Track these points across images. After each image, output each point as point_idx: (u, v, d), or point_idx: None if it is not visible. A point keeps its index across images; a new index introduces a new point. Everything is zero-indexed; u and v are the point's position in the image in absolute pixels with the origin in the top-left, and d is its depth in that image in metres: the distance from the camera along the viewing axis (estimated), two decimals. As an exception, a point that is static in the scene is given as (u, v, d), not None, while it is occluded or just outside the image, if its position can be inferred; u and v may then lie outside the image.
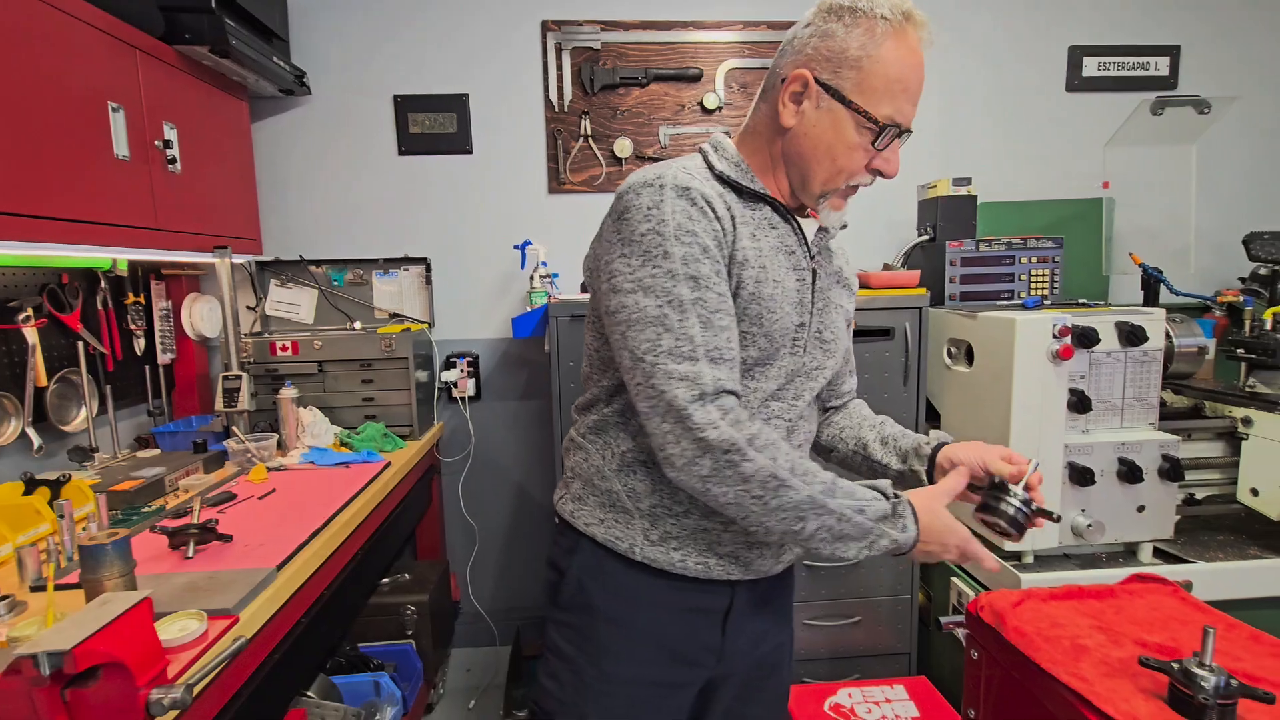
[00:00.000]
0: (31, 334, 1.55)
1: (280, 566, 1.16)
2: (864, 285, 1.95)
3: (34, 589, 1.09)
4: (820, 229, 0.95)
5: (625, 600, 0.93)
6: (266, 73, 1.95)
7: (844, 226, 0.98)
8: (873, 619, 1.97)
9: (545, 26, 2.26)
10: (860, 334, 1.87)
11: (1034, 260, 2.02)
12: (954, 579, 1.80)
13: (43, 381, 1.59)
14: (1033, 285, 2.03)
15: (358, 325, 2.24)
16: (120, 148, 1.50)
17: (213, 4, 1.67)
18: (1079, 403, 1.59)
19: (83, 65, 1.40)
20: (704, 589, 0.94)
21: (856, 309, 1.82)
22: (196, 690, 0.77)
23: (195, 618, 0.96)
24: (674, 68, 2.30)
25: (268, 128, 2.24)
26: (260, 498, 1.52)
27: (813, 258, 0.93)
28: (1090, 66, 2.42)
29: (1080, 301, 1.94)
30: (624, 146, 2.31)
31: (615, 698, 0.94)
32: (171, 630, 0.92)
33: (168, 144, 1.66)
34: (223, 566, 1.16)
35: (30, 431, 1.54)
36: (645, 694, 0.95)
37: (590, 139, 2.31)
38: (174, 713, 0.78)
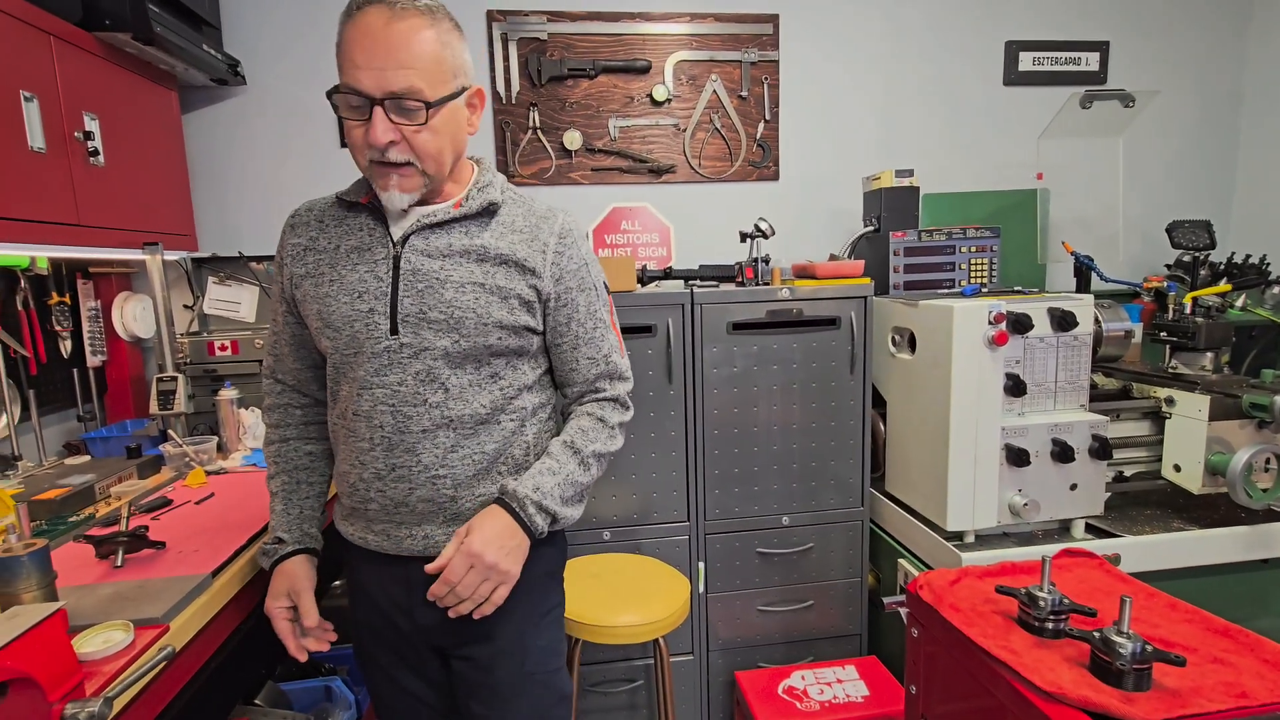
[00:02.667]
0: (-58, 337, 1.46)
1: (216, 572, 1.13)
2: (810, 275, 1.98)
3: (-54, 606, 1.03)
4: (446, 214, 1.02)
5: None
6: (196, 61, 1.87)
7: (460, 213, 1.02)
8: (825, 602, 2.01)
9: (491, 16, 2.22)
10: (807, 323, 1.90)
11: (973, 250, 2.08)
12: (900, 560, 1.85)
13: (-43, 387, 1.50)
14: (972, 274, 2.09)
15: (302, 323, 2.18)
16: (35, 139, 1.43)
17: (134, -12, 1.59)
18: (1014, 386, 1.65)
19: (-11, 52, 1.33)
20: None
21: (803, 299, 1.85)
22: (119, 703, 0.74)
23: (121, 629, 0.92)
24: (622, 60, 2.29)
25: (201, 119, 2.15)
26: (197, 502, 1.47)
27: (399, 247, 1.01)
28: (1026, 61, 2.50)
29: (1016, 289, 2.00)
30: (573, 139, 2.30)
31: None
32: (94, 643, 0.88)
33: (89, 135, 1.58)
34: (155, 575, 1.12)
35: (-57, 440, 1.46)
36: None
37: (539, 131, 2.29)
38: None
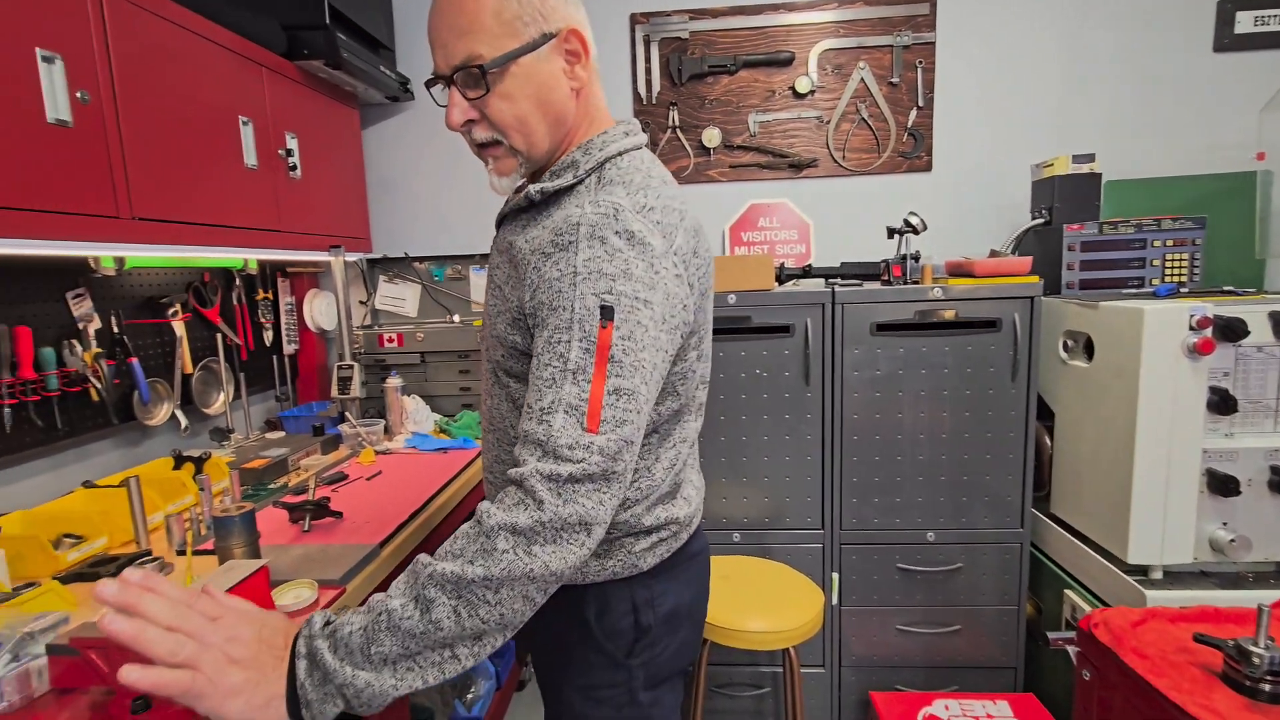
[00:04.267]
0: (179, 327, 1.74)
1: (383, 544, 1.25)
2: (966, 273, 1.83)
3: (179, 553, 1.23)
4: (535, 192, 0.85)
5: None
6: (374, 81, 2.08)
7: (524, 198, 0.85)
8: (974, 628, 1.85)
9: (634, 19, 2.26)
10: (961, 325, 1.76)
11: (1169, 244, 1.81)
12: (1067, 591, 1.66)
13: (189, 369, 1.78)
14: (1168, 271, 1.82)
15: (456, 318, 2.36)
16: (250, 158, 1.66)
17: (327, 20, 1.80)
18: (1221, 403, 1.42)
19: (218, 83, 1.56)
20: None
21: (958, 299, 1.70)
22: (305, 653, 0.84)
23: (308, 587, 1.05)
24: (764, 53, 2.24)
25: (376, 133, 2.39)
26: (368, 478, 1.64)
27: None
28: (1245, 21, 2.13)
29: (1226, 289, 1.72)
30: (712, 136, 2.28)
31: None
32: (287, 597, 1.01)
33: (289, 152, 1.81)
34: (334, 541, 1.26)
35: (178, 413, 1.74)
36: None
37: (678, 130, 2.30)
38: (286, 672, 0.86)
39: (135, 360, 1.59)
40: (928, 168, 2.27)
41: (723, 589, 1.60)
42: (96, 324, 1.52)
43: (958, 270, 1.90)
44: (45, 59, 1.13)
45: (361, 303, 2.41)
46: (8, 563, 1.06)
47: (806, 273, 2.02)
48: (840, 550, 1.85)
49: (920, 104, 2.23)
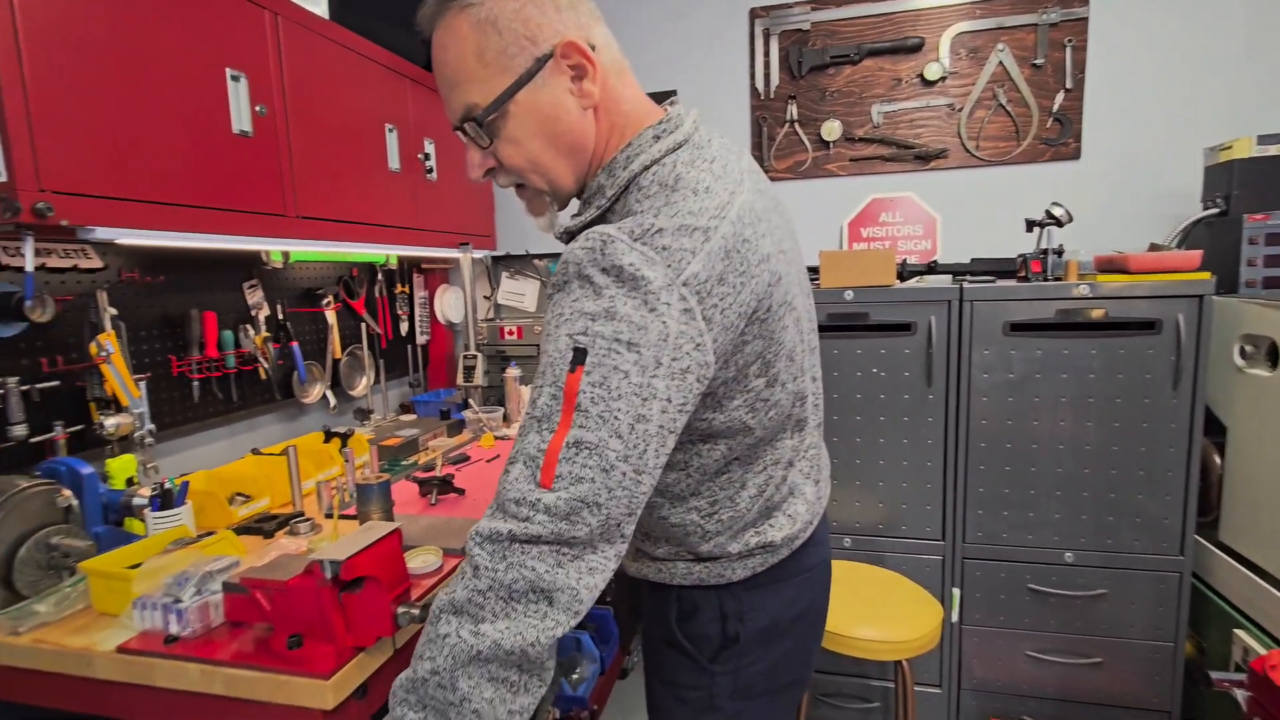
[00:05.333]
0: (331, 315, 1.93)
1: (500, 520, 1.32)
2: (1119, 269, 1.66)
3: (326, 516, 1.36)
4: (559, 235, 0.82)
5: None
6: (503, 88, 2.20)
7: (562, 235, 0.81)
8: (1120, 663, 1.67)
9: (753, 14, 2.24)
10: (1112, 326, 1.59)
11: (1385, 234, 1.54)
12: (1238, 630, 1.46)
13: (338, 354, 1.98)
14: (1382, 267, 1.55)
15: (572, 313, 2.44)
16: (393, 162, 1.81)
17: (463, 32, 1.92)
18: None
19: (369, 95, 1.71)
20: None
21: (1108, 297, 1.54)
22: (431, 611, 0.91)
23: (434, 553, 1.13)
24: (891, 40, 2.15)
25: (503, 137, 2.52)
26: (488, 460, 1.74)
27: None
28: None
29: None
30: (832, 129, 2.22)
31: None
32: (415, 561, 1.10)
33: (427, 156, 1.96)
34: (457, 515, 1.35)
35: (329, 393, 1.93)
36: None
37: (796, 123, 2.25)
38: (414, 626, 0.93)
39: (296, 344, 1.79)
40: (1075, 155, 2.07)
41: (832, 594, 1.54)
42: (265, 311, 1.73)
43: (1109, 266, 1.72)
44: (233, 77, 1.30)
45: (485, 297, 2.56)
46: (194, 513, 1.23)
47: (931, 269, 1.91)
48: (962, 564, 1.73)
49: (1068, 85, 2.05)
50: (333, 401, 1.95)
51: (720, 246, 0.66)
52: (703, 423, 0.73)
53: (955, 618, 1.74)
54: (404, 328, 2.32)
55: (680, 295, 0.63)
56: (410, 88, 1.89)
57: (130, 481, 1.29)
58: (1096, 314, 1.59)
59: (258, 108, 1.35)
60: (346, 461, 1.46)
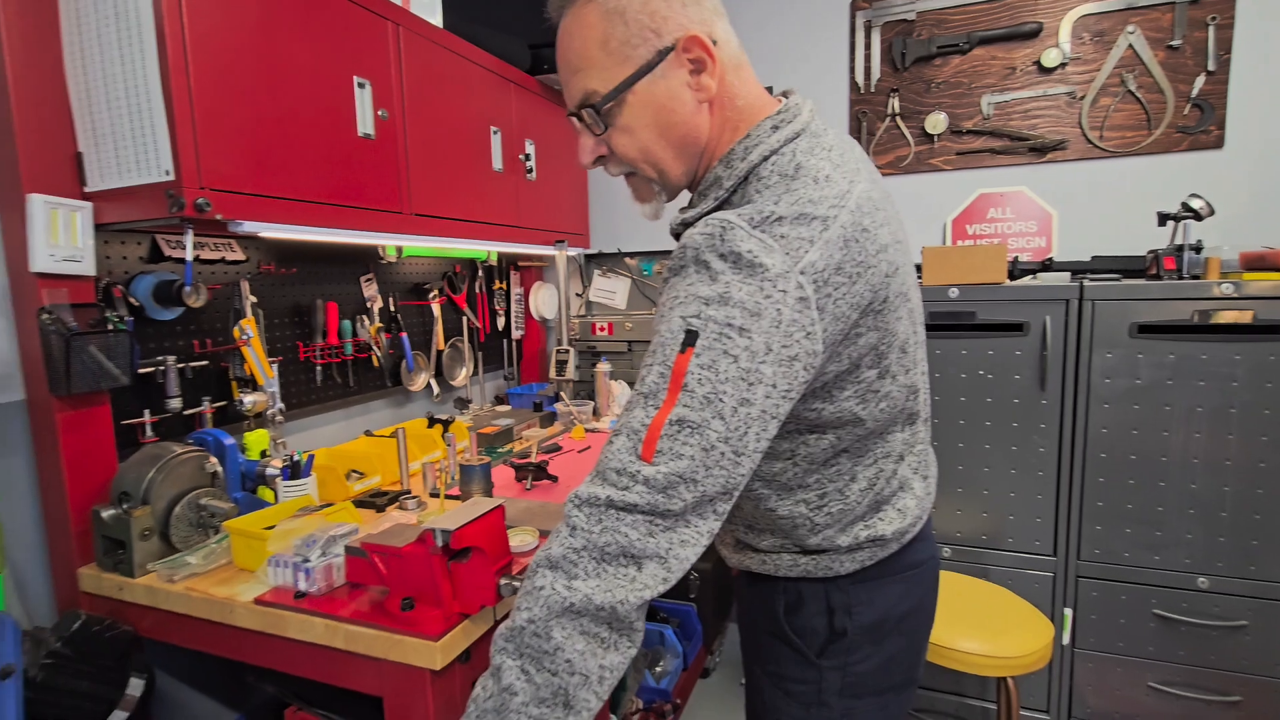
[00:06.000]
0: (436, 309, 2.05)
1: (592, 506, 1.36)
2: (1271, 267, 1.49)
3: (432, 495, 1.44)
4: (675, 225, 0.81)
5: None
6: (601, 90, 2.25)
7: (678, 226, 0.81)
8: (1262, 703, 1.50)
9: (854, 6, 2.19)
10: (1261, 330, 1.44)
11: None
12: None
13: (441, 346, 2.09)
14: None
15: (662, 311, 2.47)
16: (497, 162, 1.90)
17: (564, 36, 1.99)
18: None
19: (477, 99, 1.81)
20: None
21: (1257, 297, 1.41)
22: (531, 585, 0.95)
23: (531, 533, 1.18)
24: (1005, 27, 2.03)
25: (599, 139, 2.58)
26: (579, 451, 1.79)
27: None
28: None
29: None
30: (937, 122, 2.13)
31: None
32: (514, 540, 1.14)
33: (528, 157, 2.04)
34: (551, 500, 1.40)
35: (433, 382, 2.04)
36: None
37: (898, 117, 2.18)
38: (515, 598, 0.97)
39: (405, 335, 1.90)
40: (1217, 143, 1.89)
41: (929, 604, 1.48)
42: (379, 303, 1.85)
43: (1258, 263, 1.55)
44: (359, 84, 1.41)
45: (578, 295, 2.63)
46: (317, 485, 1.34)
47: (1047, 266, 1.79)
48: (1076, 583, 1.61)
49: (1210, 68, 1.87)
50: (436, 390, 2.06)
51: (839, 235, 0.66)
52: (811, 413, 0.72)
53: (1067, 639, 1.62)
54: (500, 323, 2.42)
55: (797, 283, 0.63)
56: (514, 91, 1.97)
57: (263, 454, 1.41)
58: (1241, 316, 1.44)
59: (380, 112, 1.46)
60: (449, 445, 1.54)
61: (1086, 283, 1.57)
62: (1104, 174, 2.01)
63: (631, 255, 2.55)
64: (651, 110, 0.73)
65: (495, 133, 1.88)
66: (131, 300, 1.26)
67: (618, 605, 0.61)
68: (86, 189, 1.15)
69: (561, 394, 2.21)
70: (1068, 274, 1.79)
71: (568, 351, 2.27)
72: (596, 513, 0.62)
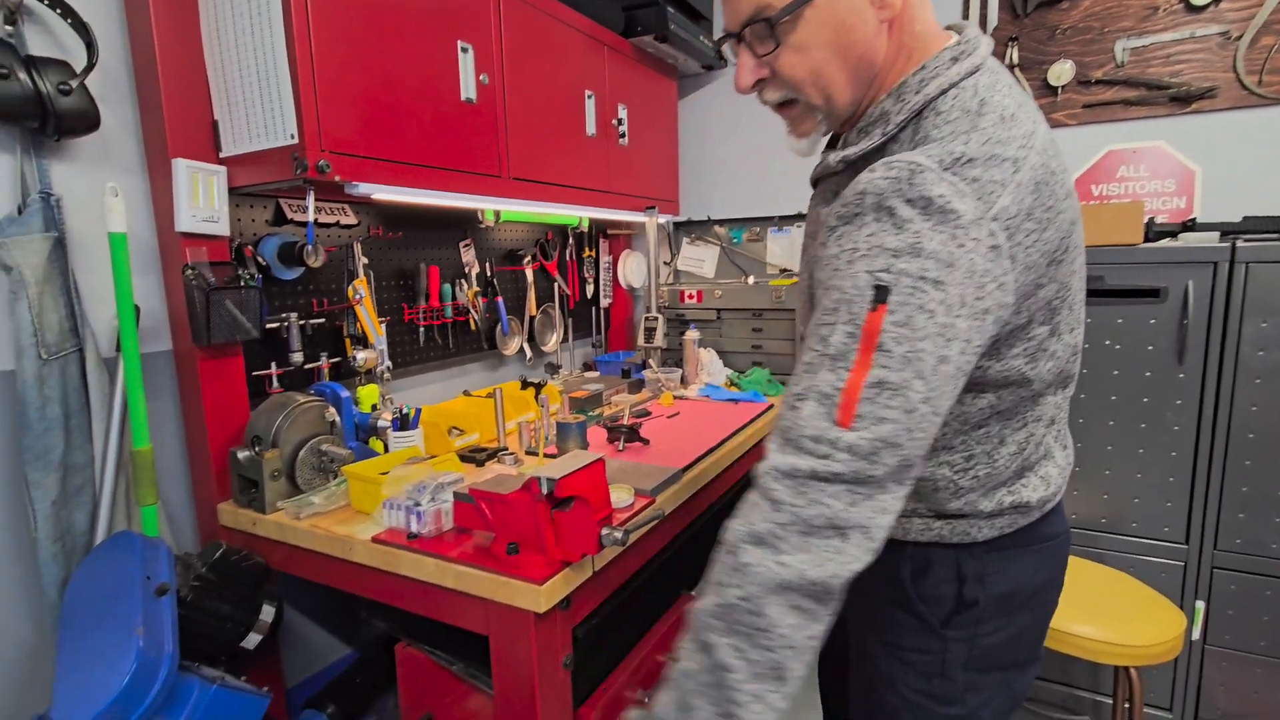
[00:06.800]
0: (529, 274, 2.09)
1: (685, 468, 1.36)
2: None
3: (528, 452, 1.49)
4: (834, 163, 0.75)
5: None
6: (693, 51, 2.21)
7: (838, 163, 0.74)
8: None
9: (970, -52, 2.03)
10: None
11: None
12: None
13: (533, 312, 2.13)
14: None
15: (751, 279, 2.41)
16: (590, 127, 1.90)
17: (658, -1, 1.96)
18: None
19: (571, 63, 1.81)
20: None
21: None
22: (631, 538, 0.96)
23: (626, 491, 1.19)
24: (1146, -40, 1.83)
25: (690, 102, 2.54)
26: (668, 417, 1.79)
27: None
28: None
29: None
30: (1062, 72, 1.94)
31: None
32: (611, 496, 1.16)
33: (620, 121, 2.03)
34: (642, 461, 1.40)
35: (526, 347, 2.10)
36: None
37: (1017, 68, 2.01)
38: (615, 549, 0.99)
39: (500, 299, 1.95)
40: None
41: (1039, 586, 1.39)
42: (476, 268, 1.91)
43: None
44: (462, 49, 1.43)
45: (666, 263, 2.61)
46: (422, 438, 1.40)
47: (1188, 227, 1.62)
48: (1211, 575, 1.47)
49: (1407, -6, 1.61)
50: (529, 354, 2.11)
51: (1030, 179, 0.62)
52: (977, 370, 0.68)
53: (1197, 634, 1.49)
54: (589, 290, 2.45)
55: (989, 231, 0.60)
56: (607, 55, 1.96)
57: (373, 407, 1.50)
58: None
59: (481, 77, 1.48)
60: (542, 407, 1.58)
61: (1240, 244, 1.41)
62: (1261, 125, 1.78)
63: (721, 223, 2.51)
64: (830, 27, 0.68)
65: (589, 97, 1.88)
66: (259, 260, 1.35)
67: (829, 579, 0.59)
68: (221, 154, 1.24)
69: (649, 361, 2.21)
70: (1214, 235, 1.61)
71: (656, 319, 2.26)
72: (799, 485, 0.60)
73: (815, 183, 0.83)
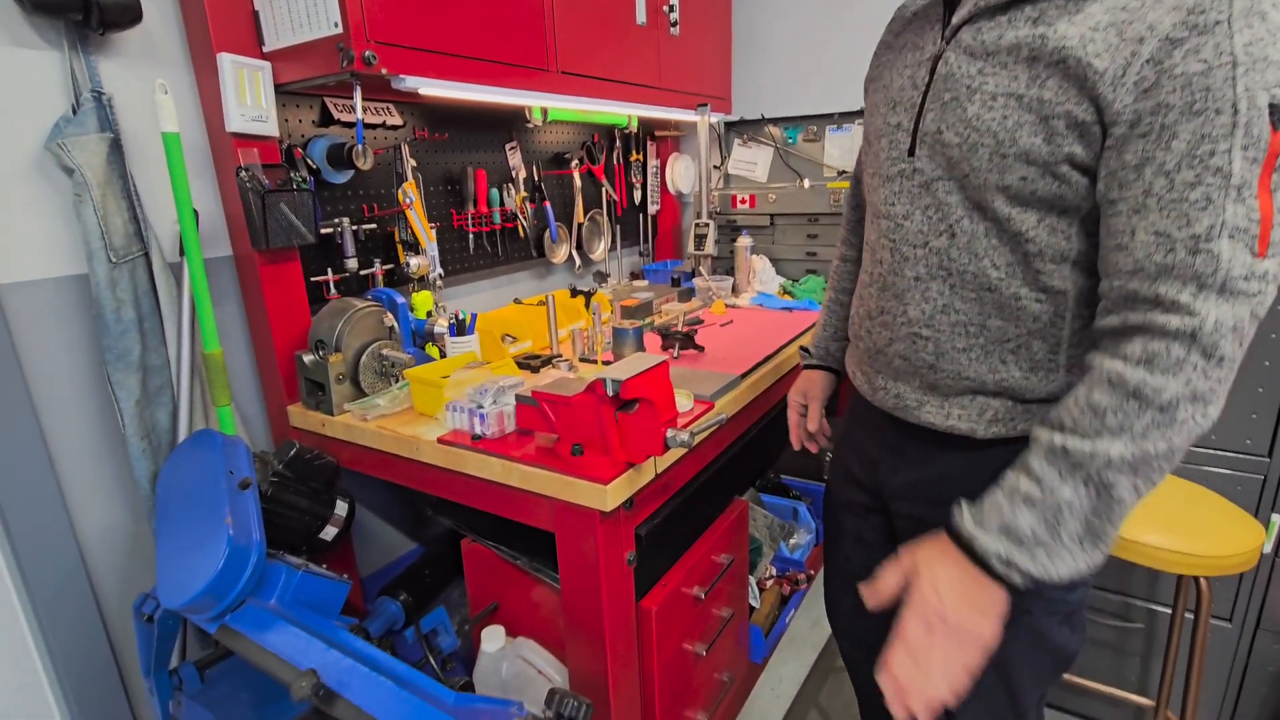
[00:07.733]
0: (577, 179, 2.02)
1: (744, 375, 1.34)
2: None
3: (581, 359, 1.48)
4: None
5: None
6: (751, -75, 2.00)
7: None
8: None
9: None
10: None
11: None
12: None
13: (580, 219, 2.08)
14: None
15: (807, 183, 2.29)
16: (640, 15, 1.76)
17: None
18: None
19: (620, -59, 1.66)
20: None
21: None
22: (697, 440, 0.95)
23: (686, 397, 1.18)
24: None
25: (745, -13, 2.34)
26: (721, 325, 1.75)
27: (947, 41, 0.76)
28: None
29: None
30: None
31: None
32: (671, 400, 1.15)
33: (671, 8, 1.88)
34: (699, 368, 1.39)
35: (574, 255, 2.06)
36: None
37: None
38: (680, 450, 0.99)
39: (548, 204, 1.90)
40: None
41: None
42: (523, 173, 1.85)
43: None
44: (506, -76, 1.32)
45: (715, 167, 2.49)
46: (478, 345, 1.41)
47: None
48: (1291, 489, 1.41)
49: None
50: (578, 262, 2.07)
51: None
52: None
53: (1268, 548, 1.45)
54: (637, 197, 2.36)
55: None
56: (658, -69, 1.79)
57: (428, 314, 1.50)
58: None
59: (526, -43, 1.37)
60: (593, 315, 1.56)
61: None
62: None
63: (774, 121, 2.36)
64: None
65: (639, -19, 1.74)
66: (309, 162, 1.32)
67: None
68: (264, 49, 1.19)
69: (700, 269, 2.16)
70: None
71: (707, 225, 2.18)
72: (1238, 336, 0.58)
73: (962, 25, 0.75)
